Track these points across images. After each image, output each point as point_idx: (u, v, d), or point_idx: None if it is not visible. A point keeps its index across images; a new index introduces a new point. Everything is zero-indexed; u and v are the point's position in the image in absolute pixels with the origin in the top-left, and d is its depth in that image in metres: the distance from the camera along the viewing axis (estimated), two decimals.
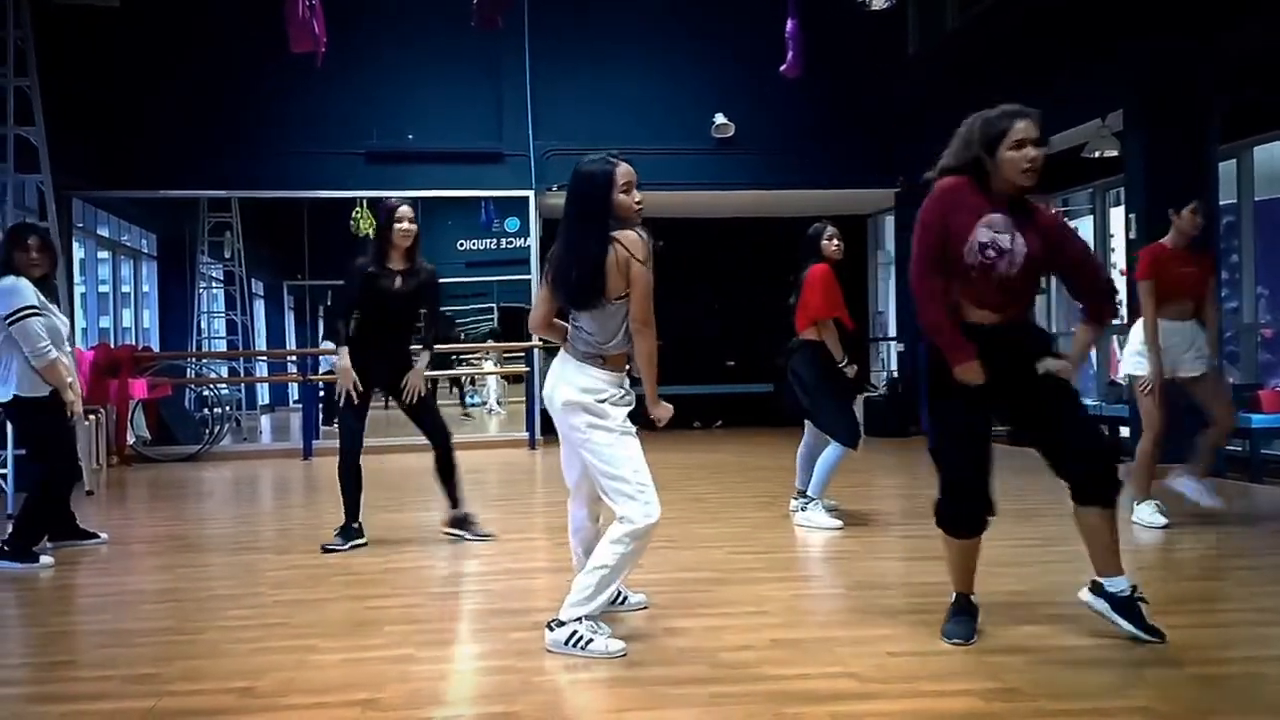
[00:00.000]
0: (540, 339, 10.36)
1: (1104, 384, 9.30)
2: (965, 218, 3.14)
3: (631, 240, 3.17)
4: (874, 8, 9.33)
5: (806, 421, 5.60)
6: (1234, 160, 8.04)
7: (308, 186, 10.81)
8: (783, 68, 8.94)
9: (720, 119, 10.89)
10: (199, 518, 6.55)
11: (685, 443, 10.07)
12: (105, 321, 11.97)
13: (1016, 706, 2.72)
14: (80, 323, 10.38)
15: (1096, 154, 8.19)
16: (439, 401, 5.58)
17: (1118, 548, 3.26)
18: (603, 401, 3.26)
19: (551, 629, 3.25)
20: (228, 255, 13.75)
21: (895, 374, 11.71)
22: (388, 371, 5.10)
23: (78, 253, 10.56)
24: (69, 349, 5.19)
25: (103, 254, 11.93)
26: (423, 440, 5.31)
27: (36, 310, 4.80)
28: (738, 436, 11.04)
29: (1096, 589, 3.32)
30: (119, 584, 4.54)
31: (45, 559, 4.83)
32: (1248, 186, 8.07)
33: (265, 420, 14.88)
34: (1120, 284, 6.97)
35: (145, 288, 13.25)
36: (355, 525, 5.10)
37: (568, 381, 3.30)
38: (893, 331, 12.36)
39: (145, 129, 10.11)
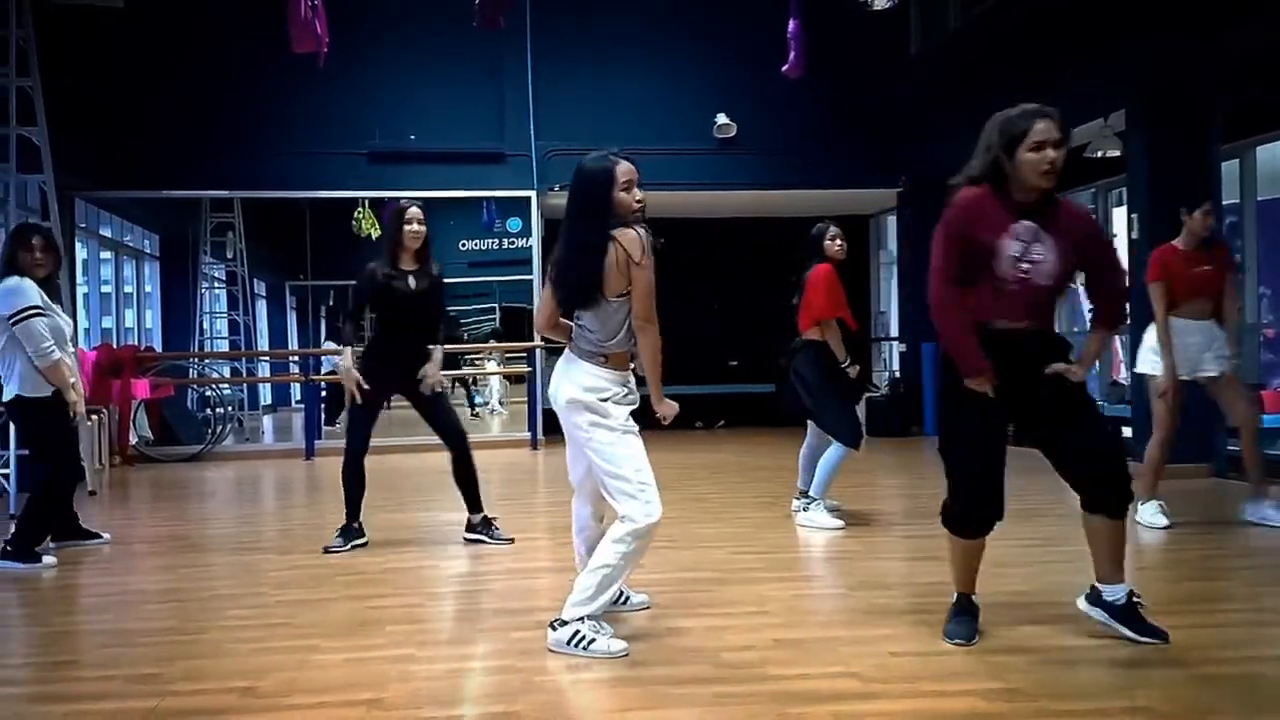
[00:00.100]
0: (542, 339, 10.53)
1: (1106, 384, 9.30)
2: (991, 231, 3.09)
3: (630, 239, 3.17)
4: (876, 7, 9.32)
5: (809, 422, 5.59)
6: (1236, 160, 8.03)
7: (310, 187, 10.82)
8: (785, 68, 8.94)
9: (722, 119, 10.89)
10: (201, 518, 6.56)
11: (687, 443, 10.07)
12: (108, 322, 11.99)
13: (1018, 707, 2.72)
14: (83, 323, 10.39)
15: (1099, 154, 8.19)
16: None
17: (1122, 556, 3.26)
18: (605, 400, 3.26)
19: (554, 628, 3.25)
20: (230, 255, 13.77)
21: (897, 374, 11.70)
22: (402, 373, 5.08)
23: (80, 253, 10.57)
24: (72, 349, 5.19)
25: (105, 254, 11.95)
26: (423, 441, 5.32)
27: (40, 310, 4.80)
28: (739, 437, 11.04)
29: (1094, 598, 3.32)
30: (121, 584, 4.55)
31: (48, 559, 4.83)
32: (1250, 186, 8.07)
33: (267, 420, 14.89)
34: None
35: (148, 288, 13.27)
36: (356, 525, 5.10)
37: (571, 380, 3.31)
38: (895, 331, 12.36)
39: (148, 129, 10.12)
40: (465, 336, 14.99)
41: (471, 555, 4.94)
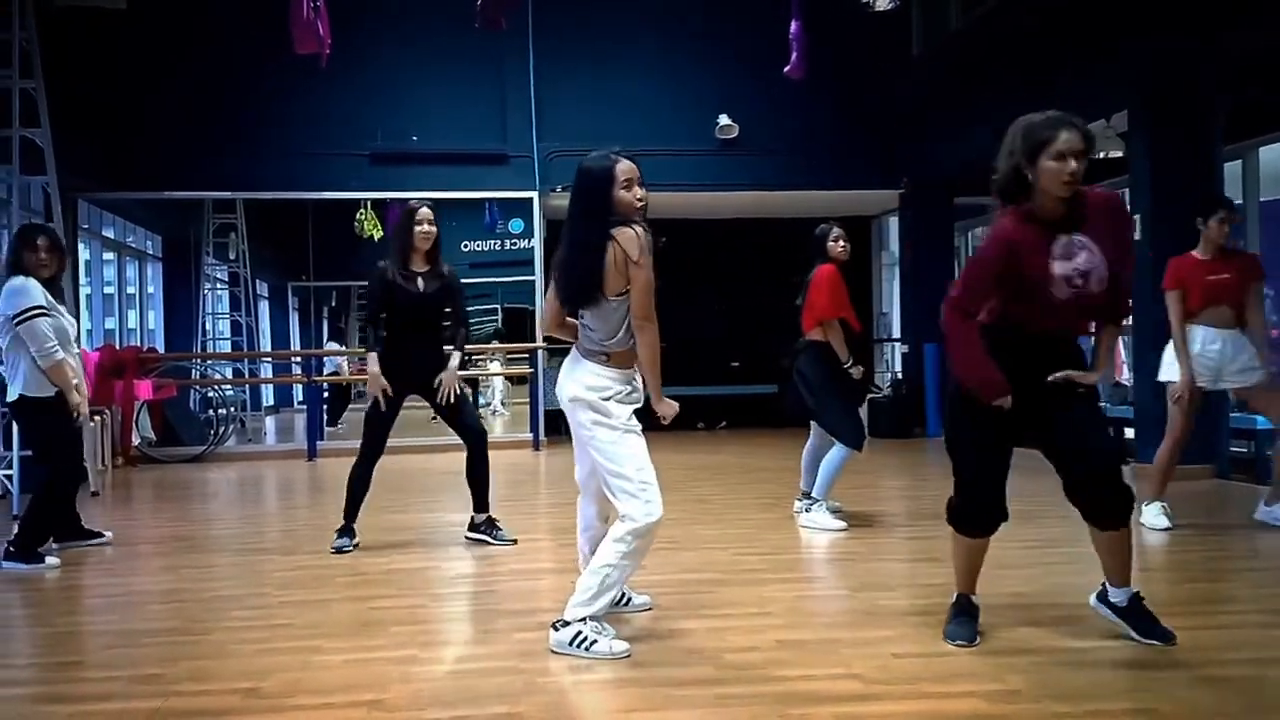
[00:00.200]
0: (545, 339, 10.54)
1: (1109, 385, 9.30)
2: (1036, 259, 3.03)
3: (628, 238, 3.17)
4: (877, 9, 9.34)
5: (812, 423, 5.59)
6: (1239, 161, 8.03)
7: (312, 188, 10.82)
8: (786, 69, 8.94)
9: (724, 120, 10.89)
10: (204, 518, 6.56)
11: (689, 444, 10.07)
12: (110, 323, 11.99)
13: (1021, 708, 2.72)
14: (85, 324, 10.40)
15: (1101, 155, 8.18)
16: None
17: (1128, 561, 3.27)
18: (608, 399, 3.27)
19: (556, 629, 3.26)
20: (232, 256, 13.78)
21: (899, 375, 11.70)
22: (418, 374, 5.07)
23: (83, 254, 10.59)
24: (76, 350, 5.20)
25: (108, 255, 11.96)
26: (426, 441, 5.32)
27: (44, 310, 4.81)
28: (741, 438, 11.04)
29: (1103, 596, 3.35)
30: (125, 585, 4.56)
31: (51, 560, 4.84)
32: (1253, 187, 8.06)
33: (270, 421, 14.90)
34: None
35: (150, 289, 13.28)
36: (351, 527, 5.10)
37: (575, 379, 3.32)
38: (897, 332, 12.35)
39: (150, 130, 10.13)
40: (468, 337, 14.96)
41: (474, 556, 4.94)
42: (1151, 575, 4.23)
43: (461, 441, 5.24)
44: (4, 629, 4.02)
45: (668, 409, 3.31)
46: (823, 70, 9.51)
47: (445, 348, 5.14)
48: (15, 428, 6.09)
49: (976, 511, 3.27)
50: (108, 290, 12.01)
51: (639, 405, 3.34)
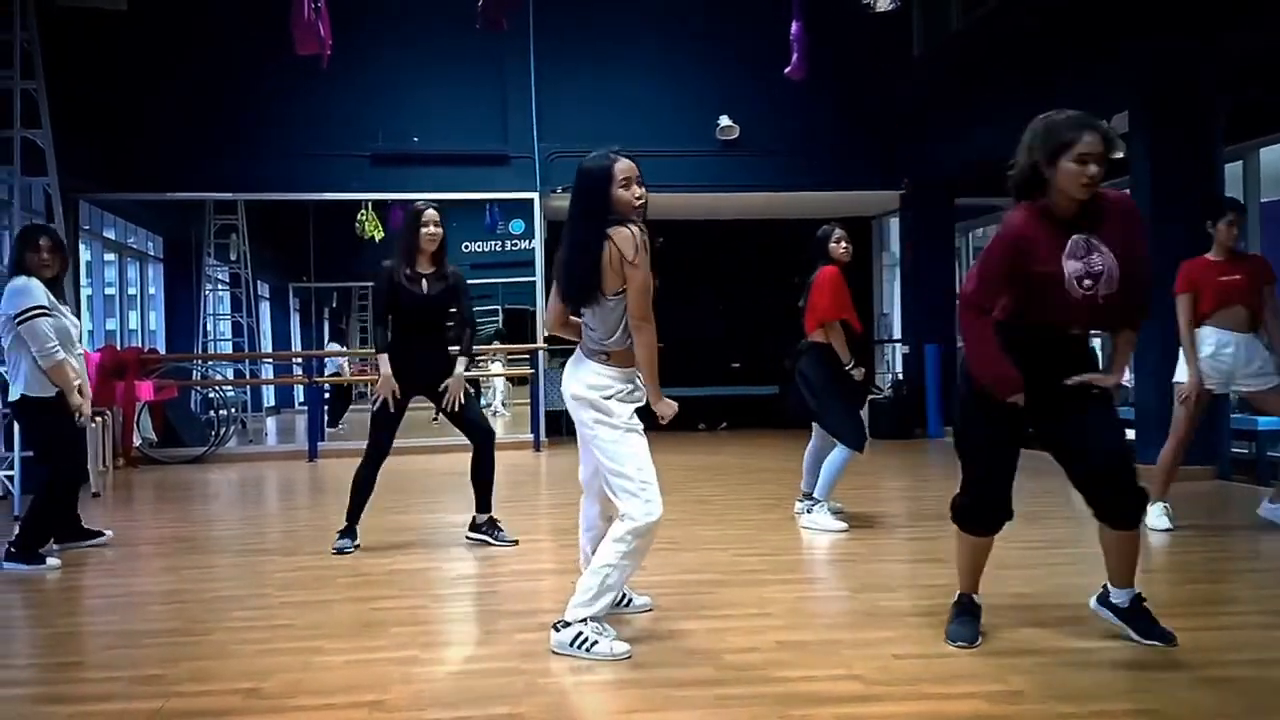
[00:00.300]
0: (545, 340, 10.54)
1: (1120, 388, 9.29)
2: (1047, 257, 3.03)
3: (623, 237, 3.17)
4: (878, 9, 9.33)
5: (814, 424, 5.59)
6: (1240, 162, 8.03)
7: (313, 189, 10.82)
8: (787, 70, 8.94)
9: (725, 121, 10.89)
10: (205, 519, 6.56)
11: (689, 444, 10.06)
12: (111, 324, 11.99)
13: (1023, 709, 2.72)
14: (86, 325, 10.40)
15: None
16: None
17: (1134, 562, 3.26)
18: (609, 398, 3.27)
19: (556, 630, 3.26)
20: (233, 257, 13.78)
21: (900, 376, 11.70)
22: (423, 375, 5.07)
23: (84, 255, 10.59)
24: (79, 351, 5.20)
25: (109, 256, 11.96)
26: (427, 443, 5.31)
27: (46, 311, 4.81)
28: (742, 438, 11.03)
29: (1104, 599, 3.35)
30: (125, 585, 4.56)
31: (52, 560, 4.83)
32: (1254, 188, 8.06)
33: (271, 422, 14.90)
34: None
35: (151, 290, 13.29)
36: (353, 528, 5.10)
37: (577, 378, 3.34)
38: (897, 333, 12.35)
39: (151, 131, 10.14)
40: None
41: (475, 557, 4.94)
42: (1153, 576, 4.22)
43: (467, 441, 5.24)
44: (5, 629, 4.02)
45: (666, 409, 3.30)
46: (823, 71, 9.51)
47: (451, 349, 5.14)
48: (16, 428, 6.09)
49: (982, 510, 3.27)
50: (109, 291, 12.02)
51: (641, 404, 3.34)
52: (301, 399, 14.38)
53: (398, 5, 10.60)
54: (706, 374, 12.03)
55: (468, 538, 5.21)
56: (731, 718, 2.71)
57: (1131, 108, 7.39)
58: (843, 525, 5.36)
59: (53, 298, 4.90)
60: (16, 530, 4.93)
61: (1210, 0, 6.71)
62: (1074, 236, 3.05)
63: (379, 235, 12.95)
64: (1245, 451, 7.57)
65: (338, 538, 5.06)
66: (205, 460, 9.67)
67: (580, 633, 3.21)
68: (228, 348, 13.79)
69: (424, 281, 5.00)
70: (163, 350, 12.23)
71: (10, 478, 6.60)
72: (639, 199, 3.24)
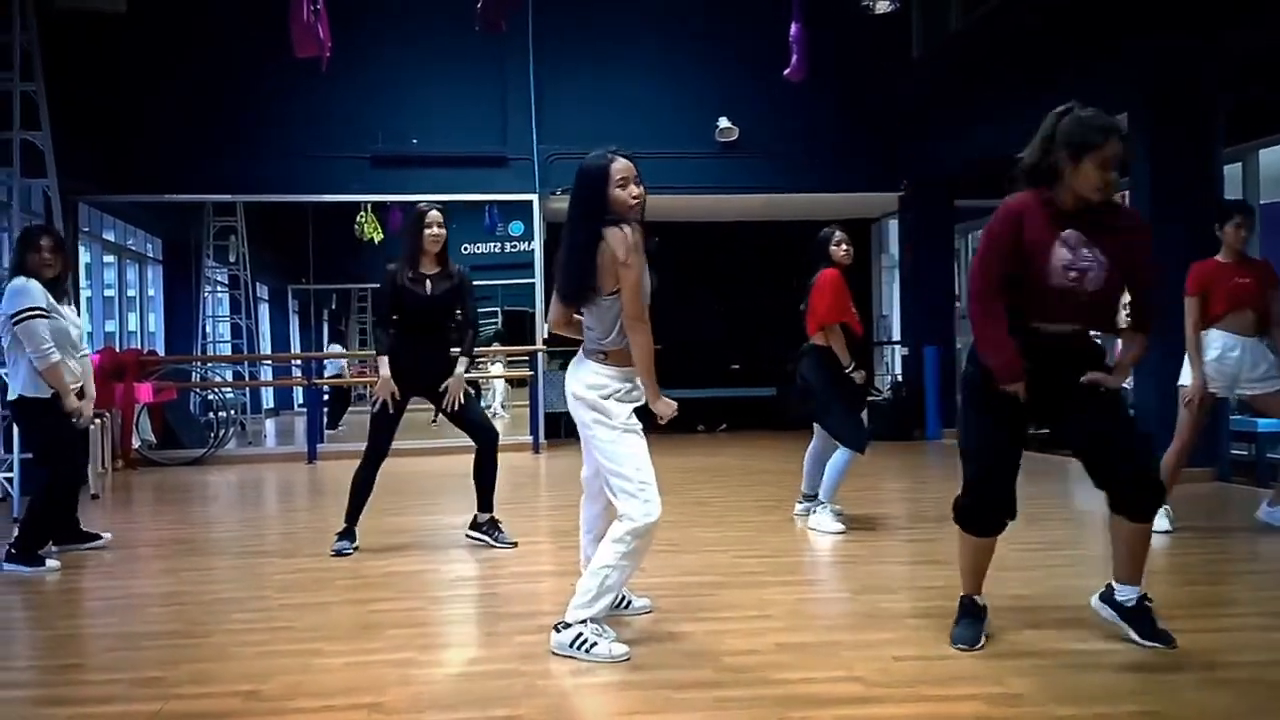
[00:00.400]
0: (544, 341, 10.54)
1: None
2: (1040, 240, 3.04)
3: (616, 238, 3.17)
4: (877, 11, 9.35)
5: (815, 425, 5.60)
6: (1239, 164, 8.03)
7: (312, 190, 10.82)
8: (786, 71, 8.95)
9: (724, 123, 10.89)
10: (204, 521, 6.56)
11: (688, 446, 10.06)
12: (111, 325, 11.99)
13: (1023, 711, 2.71)
14: (85, 326, 10.39)
15: None
16: None
17: (1143, 559, 3.26)
18: (606, 397, 3.27)
19: (557, 631, 3.26)
20: (232, 259, 13.77)
21: (899, 378, 11.70)
22: (424, 376, 5.06)
23: (84, 257, 10.58)
24: (85, 352, 5.21)
25: (108, 258, 11.96)
26: (427, 444, 5.31)
27: (43, 312, 4.81)
28: (741, 440, 11.03)
29: (1107, 596, 3.33)
30: (125, 587, 4.55)
31: (51, 563, 4.83)
32: (1253, 190, 8.07)
33: (270, 424, 14.90)
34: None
35: (151, 292, 13.28)
36: (352, 530, 5.10)
37: (577, 377, 3.35)
38: (897, 335, 12.36)
39: (150, 133, 10.14)
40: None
41: (474, 559, 4.94)
42: (1153, 578, 4.20)
43: (466, 442, 5.23)
44: (5, 631, 4.02)
45: (665, 408, 3.29)
46: (823, 72, 9.52)
47: (453, 350, 5.14)
48: (16, 430, 6.09)
49: (984, 510, 3.26)
50: (108, 293, 12.02)
51: (640, 404, 3.34)
52: (300, 401, 14.37)
53: (397, 7, 10.60)
54: (706, 375, 12.03)
55: (468, 536, 5.21)
56: None
57: (1132, 106, 7.39)
58: (841, 527, 5.35)
59: (52, 300, 4.90)
60: (16, 532, 4.93)
61: None
62: (1070, 229, 3.06)
63: (378, 237, 12.95)
64: (1245, 453, 7.57)
65: (336, 539, 5.05)
66: (204, 462, 9.67)
67: (580, 634, 3.21)
68: (227, 349, 13.78)
69: (428, 282, 5.00)
70: (162, 352, 12.23)
71: (9, 479, 6.60)
72: (636, 198, 3.24)
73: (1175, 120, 7.10)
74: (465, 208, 11.76)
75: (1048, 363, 3.11)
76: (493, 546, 5.09)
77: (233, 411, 11.80)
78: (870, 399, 10.59)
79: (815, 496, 5.50)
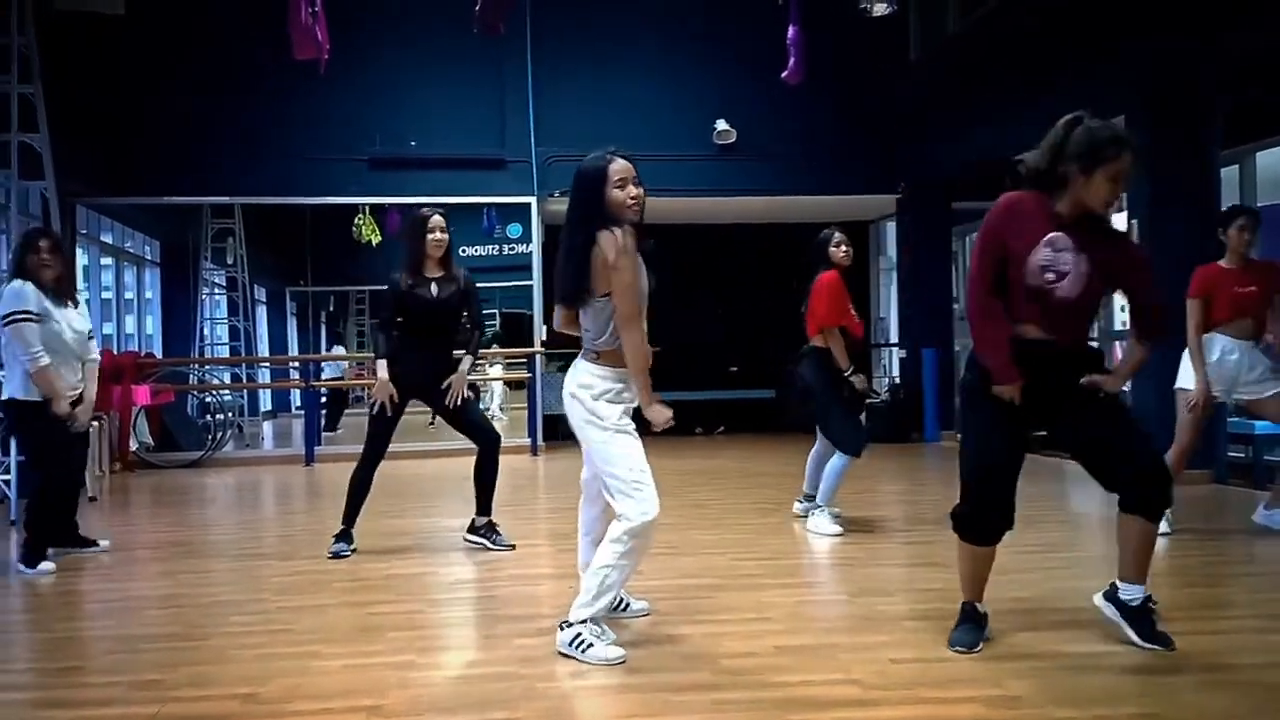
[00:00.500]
0: (543, 343, 10.53)
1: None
2: (1027, 238, 3.05)
3: (607, 240, 3.17)
4: (875, 13, 9.35)
5: (817, 427, 5.60)
6: (1236, 166, 8.04)
7: (310, 193, 10.81)
8: (784, 74, 8.96)
9: (722, 125, 10.90)
10: (202, 523, 6.56)
11: (686, 449, 10.07)
12: (109, 328, 11.99)
13: (1021, 714, 2.72)
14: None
15: None
16: None
17: (1148, 558, 3.26)
18: (597, 398, 3.27)
19: (562, 629, 3.27)
20: (230, 261, 13.78)
21: (897, 380, 11.71)
22: (425, 378, 5.06)
23: (81, 259, 10.57)
24: (93, 356, 5.21)
25: (106, 260, 11.96)
26: (427, 446, 5.31)
27: (33, 316, 4.78)
28: (740, 443, 11.03)
29: (1110, 595, 3.33)
30: (123, 590, 4.55)
31: (45, 565, 4.81)
32: (1251, 192, 8.07)
33: (267, 426, 14.90)
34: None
35: (148, 294, 13.27)
36: (349, 532, 5.10)
37: (573, 377, 3.36)
38: (894, 337, 12.37)
39: (149, 135, 10.13)
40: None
41: (473, 562, 4.94)
42: (1151, 580, 4.22)
43: (466, 444, 5.23)
44: (3, 634, 4.01)
45: (658, 417, 3.24)
46: (821, 75, 9.53)
47: (456, 352, 5.14)
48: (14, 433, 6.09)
49: (982, 518, 3.25)
50: (106, 295, 12.01)
51: (633, 406, 3.34)
52: (298, 403, 14.36)
53: (395, 9, 10.60)
54: (704, 378, 12.03)
55: (465, 539, 5.21)
56: None
57: (1130, 108, 7.40)
58: (839, 529, 5.36)
59: (49, 304, 4.88)
60: (26, 534, 4.93)
61: (1210, 0, 6.72)
62: (1060, 233, 3.06)
63: (376, 239, 12.96)
64: (1242, 456, 7.57)
65: (334, 541, 5.05)
66: (202, 464, 9.66)
67: (579, 634, 3.21)
68: (225, 351, 13.78)
69: (433, 285, 5.00)
70: (159, 354, 12.23)
71: (7, 482, 6.59)
72: (634, 199, 3.25)
73: (1173, 122, 7.10)
74: (463, 210, 11.77)
75: (1038, 373, 3.11)
76: (490, 549, 5.09)
77: (230, 414, 11.79)
78: (868, 401, 10.65)
79: (815, 497, 5.51)
